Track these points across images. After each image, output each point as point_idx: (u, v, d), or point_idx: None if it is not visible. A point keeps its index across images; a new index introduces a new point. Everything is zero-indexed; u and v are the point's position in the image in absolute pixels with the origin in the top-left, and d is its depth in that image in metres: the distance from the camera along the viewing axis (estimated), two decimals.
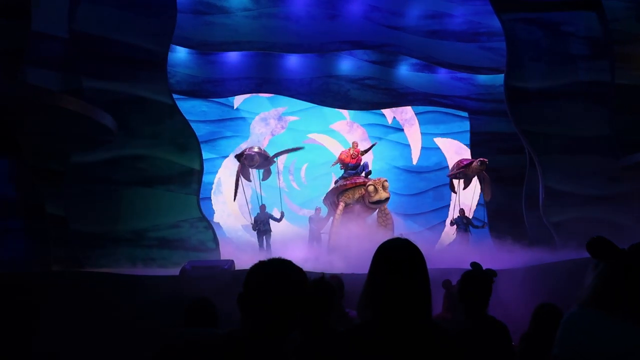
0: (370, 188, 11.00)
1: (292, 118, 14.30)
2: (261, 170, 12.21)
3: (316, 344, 2.32)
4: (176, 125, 10.83)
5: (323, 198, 12.46)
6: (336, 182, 12.21)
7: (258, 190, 12.27)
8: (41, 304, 5.76)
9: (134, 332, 5.44)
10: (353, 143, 12.30)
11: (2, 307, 5.59)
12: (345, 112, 14.51)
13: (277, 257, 1.59)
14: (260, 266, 1.56)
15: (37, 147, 8.78)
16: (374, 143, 12.88)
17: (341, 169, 12.09)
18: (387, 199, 11.05)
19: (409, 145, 14.79)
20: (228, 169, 13.51)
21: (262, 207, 11.83)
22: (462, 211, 12.31)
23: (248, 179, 12.00)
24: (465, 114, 14.58)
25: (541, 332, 2.87)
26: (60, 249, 8.96)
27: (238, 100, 13.92)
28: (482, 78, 14.18)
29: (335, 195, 11.80)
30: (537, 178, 11.52)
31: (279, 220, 11.66)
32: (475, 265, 2.81)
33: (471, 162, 12.05)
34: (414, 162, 14.70)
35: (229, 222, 13.66)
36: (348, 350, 1.61)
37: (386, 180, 11.27)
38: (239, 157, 11.50)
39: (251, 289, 1.51)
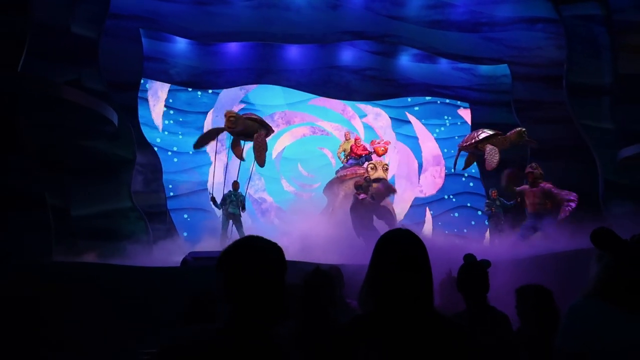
0: (370, 166, 11.31)
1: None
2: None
3: (318, 334, 2.31)
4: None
5: (323, 189, 12.43)
6: (337, 172, 12.19)
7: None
8: (43, 295, 5.77)
9: (135, 325, 5.45)
10: (356, 137, 12.31)
11: (6, 299, 5.61)
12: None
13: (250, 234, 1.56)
14: (232, 246, 1.50)
15: (38, 139, 8.76)
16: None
17: (347, 157, 12.05)
18: (384, 179, 11.03)
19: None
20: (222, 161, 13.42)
21: (235, 184, 10.69)
22: (494, 192, 11.30)
23: (241, 158, 10.96)
24: (467, 105, 14.55)
25: (533, 314, 2.88)
26: (62, 240, 8.96)
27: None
28: (484, 68, 14.11)
29: (336, 186, 11.80)
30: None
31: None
32: (469, 257, 2.83)
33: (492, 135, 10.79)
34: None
35: None
36: (351, 341, 1.61)
37: (387, 164, 11.49)
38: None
39: (227, 270, 1.46)
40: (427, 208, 14.23)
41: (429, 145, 14.66)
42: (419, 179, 14.55)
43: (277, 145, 13.70)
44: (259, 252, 1.47)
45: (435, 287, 1.68)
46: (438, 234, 13.44)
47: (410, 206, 14.22)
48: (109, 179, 10.60)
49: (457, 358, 1.57)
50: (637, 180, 11.10)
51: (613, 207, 10.88)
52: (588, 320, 1.62)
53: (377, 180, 10.87)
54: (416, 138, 14.67)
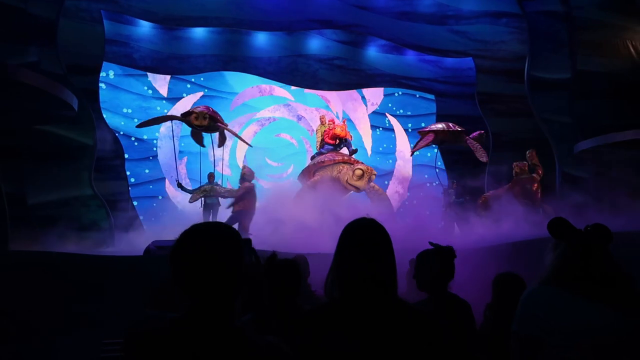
0: (358, 172, 10.49)
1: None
2: (214, 135, 11.09)
3: (283, 323, 2.32)
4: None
5: (299, 176, 12.09)
6: (312, 157, 11.91)
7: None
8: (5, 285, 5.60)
9: (96, 315, 5.36)
10: (329, 120, 11.83)
11: None
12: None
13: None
14: (185, 233, 1.47)
15: None
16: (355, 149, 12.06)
17: (321, 142, 11.81)
18: (362, 189, 10.80)
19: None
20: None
21: (211, 175, 10.88)
22: (454, 183, 12.05)
23: (201, 144, 11.20)
24: (432, 97, 14.75)
25: (504, 300, 2.94)
26: (19, 228, 8.67)
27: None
28: (450, 61, 14.32)
29: (312, 172, 11.44)
30: (502, 159, 11.89)
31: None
32: (433, 244, 2.88)
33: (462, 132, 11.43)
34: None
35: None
36: (315, 328, 1.62)
37: (374, 174, 10.79)
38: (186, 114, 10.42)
39: (178, 258, 1.43)
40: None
41: None
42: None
43: (237, 154, 13.48)
44: (216, 236, 1.43)
45: (400, 276, 1.71)
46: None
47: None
48: (69, 165, 10.27)
49: (421, 346, 1.60)
50: (592, 172, 11.57)
51: (569, 198, 11.31)
52: (544, 306, 1.68)
53: (355, 187, 10.54)
54: None
